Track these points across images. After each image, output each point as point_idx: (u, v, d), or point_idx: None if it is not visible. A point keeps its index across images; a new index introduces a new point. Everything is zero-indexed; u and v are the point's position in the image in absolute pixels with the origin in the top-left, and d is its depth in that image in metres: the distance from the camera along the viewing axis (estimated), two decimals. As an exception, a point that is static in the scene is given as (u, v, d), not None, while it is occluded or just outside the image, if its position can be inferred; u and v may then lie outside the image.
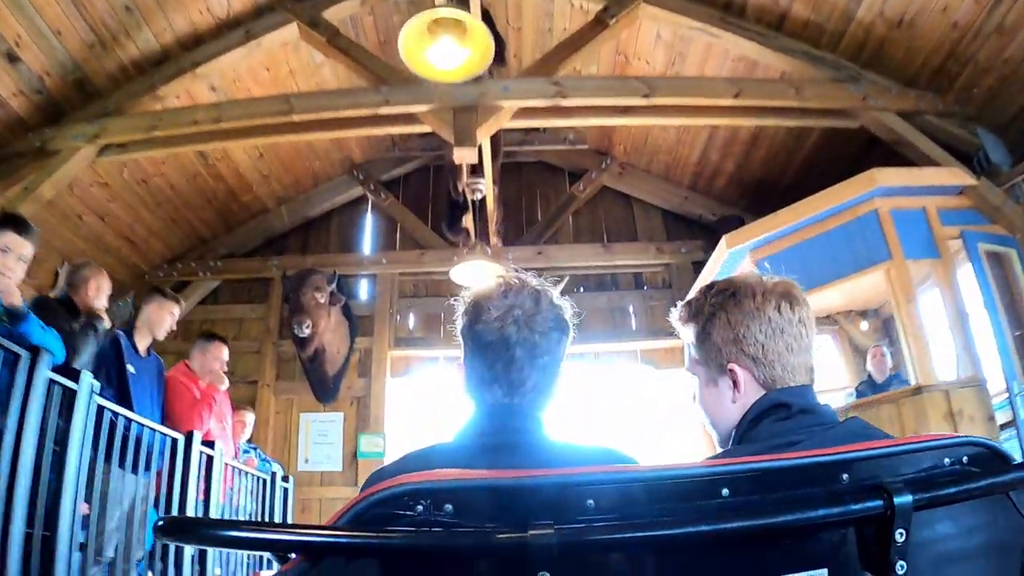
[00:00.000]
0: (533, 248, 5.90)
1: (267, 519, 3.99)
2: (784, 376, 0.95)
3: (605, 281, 5.99)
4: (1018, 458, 0.79)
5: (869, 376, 4.59)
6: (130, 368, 3.07)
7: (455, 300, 1.04)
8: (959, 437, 0.74)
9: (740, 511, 0.63)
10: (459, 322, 1.00)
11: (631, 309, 5.88)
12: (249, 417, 4.57)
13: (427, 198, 6.29)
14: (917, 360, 3.48)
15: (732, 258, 4.29)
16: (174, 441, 2.99)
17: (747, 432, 0.93)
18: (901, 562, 0.68)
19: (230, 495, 3.61)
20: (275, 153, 5.52)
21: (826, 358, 5.18)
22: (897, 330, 3.85)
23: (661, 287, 5.91)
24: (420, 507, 0.59)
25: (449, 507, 0.59)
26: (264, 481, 4.10)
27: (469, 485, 0.61)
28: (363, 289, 6.01)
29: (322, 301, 5.10)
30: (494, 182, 4.93)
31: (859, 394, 4.48)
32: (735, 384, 0.97)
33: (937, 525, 0.70)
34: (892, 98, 4.06)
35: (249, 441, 4.62)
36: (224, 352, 3.70)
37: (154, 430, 2.86)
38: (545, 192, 6.36)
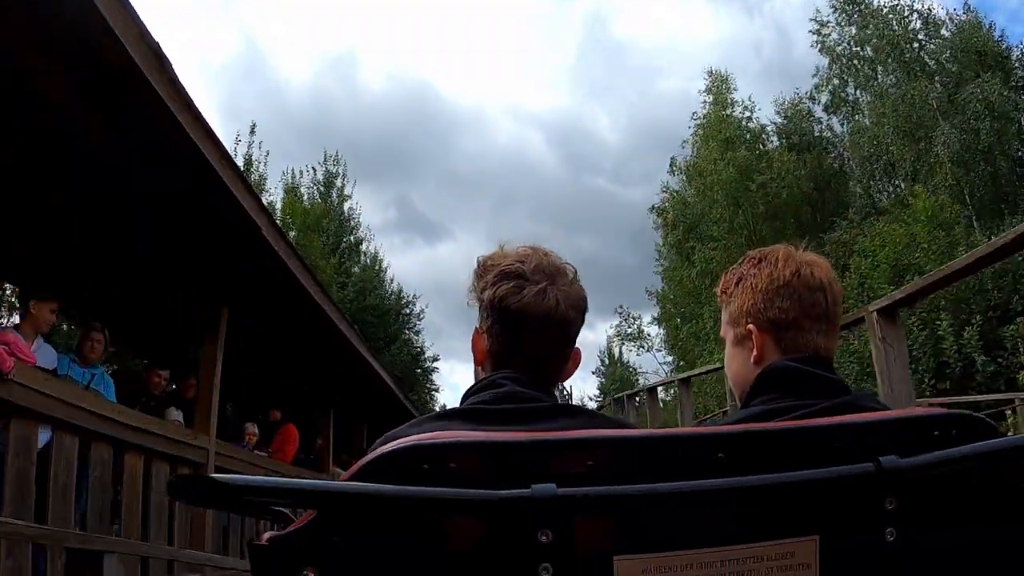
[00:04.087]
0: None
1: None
2: (802, 343, 0.97)
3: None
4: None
5: None
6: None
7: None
8: (949, 411, 0.76)
9: (733, 472, 0.64)
10: (486, 290, 0.98)
11: None
12: None
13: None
14: None
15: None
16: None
17: (755, 396, 0.95)
18: (890, 529, 0.70)
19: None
20: None
21: None
22: None
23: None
24: (425, 466, 0.60)
25: (453, 465, 0.61)
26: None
27: (472, 443, 0.63)
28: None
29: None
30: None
31: None
32: (754, 347, 1.00)
33: (926, 497, 0.72)
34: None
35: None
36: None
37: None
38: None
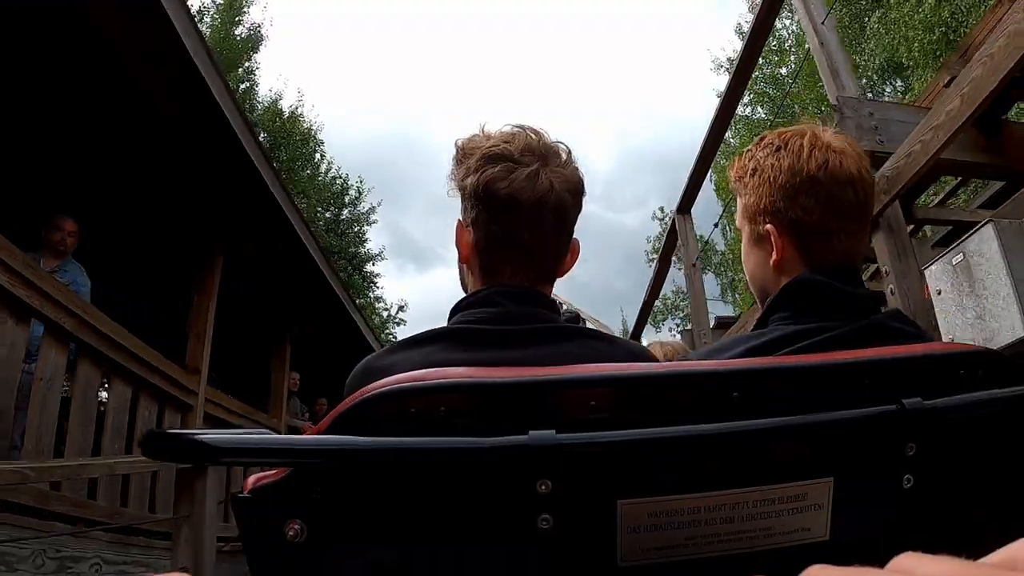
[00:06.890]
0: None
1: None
2: (826, 247, 0.87)
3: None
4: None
5: None
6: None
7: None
8: (976, 348, 0.71)
9: (747, 413, 0.60)
10: (469, 176, 0.85)
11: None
12: None
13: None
14: None
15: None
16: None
17: (776, 310, 0.87)
18: (908, 475, 0.66)
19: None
20: None
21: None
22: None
23: None
24: (412, 409, 0.56)
25: (442, 408, 0.56)
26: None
27: (462, 384, 0.57)
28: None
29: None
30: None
31: None
32: (774, 250, 0.89)
33: (944, 438, 0.68)
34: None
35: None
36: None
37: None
38: None
